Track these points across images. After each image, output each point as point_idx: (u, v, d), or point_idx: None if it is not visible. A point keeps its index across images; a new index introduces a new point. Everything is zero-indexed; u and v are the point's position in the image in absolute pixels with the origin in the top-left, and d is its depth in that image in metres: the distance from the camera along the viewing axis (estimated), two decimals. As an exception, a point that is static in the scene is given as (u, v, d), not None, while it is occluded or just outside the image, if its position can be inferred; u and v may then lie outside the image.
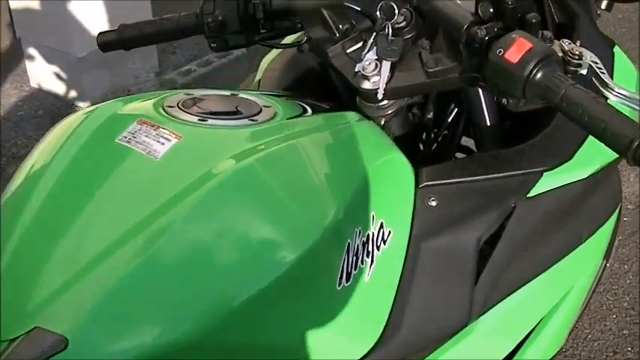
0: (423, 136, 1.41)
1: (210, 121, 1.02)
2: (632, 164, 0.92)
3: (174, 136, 0.97)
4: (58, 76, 3.68)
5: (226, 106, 1.08)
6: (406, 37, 1.19)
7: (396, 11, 1.17)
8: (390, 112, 1.24)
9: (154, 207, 0.89)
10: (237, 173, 0.94)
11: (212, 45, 1.32)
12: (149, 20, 1.37)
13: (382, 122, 1.24)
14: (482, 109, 1.32)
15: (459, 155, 1.44)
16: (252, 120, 1.05)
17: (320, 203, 0.98)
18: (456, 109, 1.41)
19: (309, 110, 1.16)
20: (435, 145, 1.42)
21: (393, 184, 1.12)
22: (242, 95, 1.13)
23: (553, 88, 0.98)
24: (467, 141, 1.45)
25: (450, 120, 1.41)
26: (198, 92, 1.12)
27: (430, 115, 1.37)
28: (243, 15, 1.28)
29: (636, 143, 0.90)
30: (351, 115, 1.20)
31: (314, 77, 1.40)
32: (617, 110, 0.94)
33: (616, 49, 1.34)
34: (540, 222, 1.20)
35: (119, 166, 0.96)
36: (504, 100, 1.05)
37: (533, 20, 1.06)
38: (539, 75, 0.99)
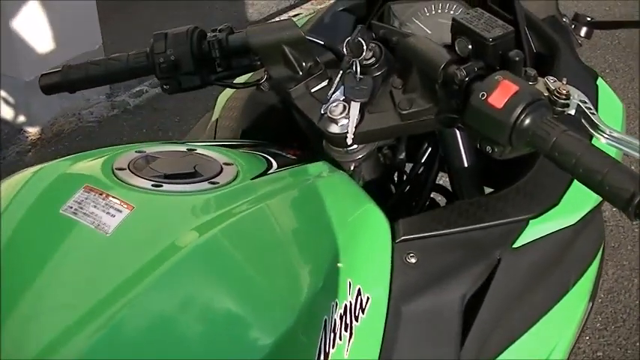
0: (395, 178, 1.32)
1: (165, 187, 0.92)
2: (634, 220, 0.84)
3: (125, 206, 0.86)
4: (5, 100, 3.60)
5: (183, 166, 0.98)
6: (375, 75, 1.11)
7: (364, 47, 1.08)
8: (360, 156, 1.14)
9: (106, 290, 0.79)
10: (199, 249, 0.84)
11: (165, 87, 1.21)
12: (95, 60, 1.26)
13: (351, 167, 1.15)
14: (460, 150, 1.24)
15: (433, 195, 1.35)
16: (213, 183, 0.95)
17: (293, 278, 0.89)
18: (430, 149, 1.31)
19: (274, 163, 1.07)
20: (409, 186, 1.32)
21: (369, 242, 1.03)
22: (200, 151, 1.03)
23: (543, 136, 0.90)
24: (441, 176, 1.36)
25: (423, 160, 1.32)
26: (150, 149, 1.01)
27: (402, 156, 1.28)
28: (197, 54, 1.18)
29: (638, 198, 0.82)
30: (319, 167, 1.11)
31: (276, 117, 1.30)
32: (615, 159, 0.86)
33: (599, 81, 1.27)
34: (528, 273, 1.12)
35: (66, 243, 0.86)
36: (488, 148, 0.97)
37: (516, 58, 0.98)
38: (527, 121, 0.91)
